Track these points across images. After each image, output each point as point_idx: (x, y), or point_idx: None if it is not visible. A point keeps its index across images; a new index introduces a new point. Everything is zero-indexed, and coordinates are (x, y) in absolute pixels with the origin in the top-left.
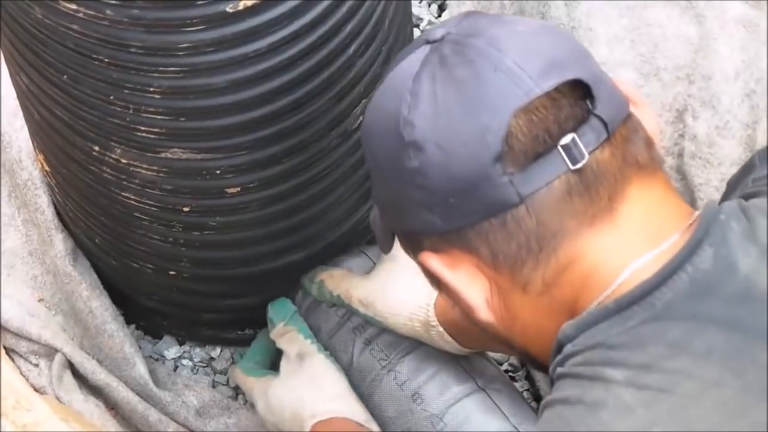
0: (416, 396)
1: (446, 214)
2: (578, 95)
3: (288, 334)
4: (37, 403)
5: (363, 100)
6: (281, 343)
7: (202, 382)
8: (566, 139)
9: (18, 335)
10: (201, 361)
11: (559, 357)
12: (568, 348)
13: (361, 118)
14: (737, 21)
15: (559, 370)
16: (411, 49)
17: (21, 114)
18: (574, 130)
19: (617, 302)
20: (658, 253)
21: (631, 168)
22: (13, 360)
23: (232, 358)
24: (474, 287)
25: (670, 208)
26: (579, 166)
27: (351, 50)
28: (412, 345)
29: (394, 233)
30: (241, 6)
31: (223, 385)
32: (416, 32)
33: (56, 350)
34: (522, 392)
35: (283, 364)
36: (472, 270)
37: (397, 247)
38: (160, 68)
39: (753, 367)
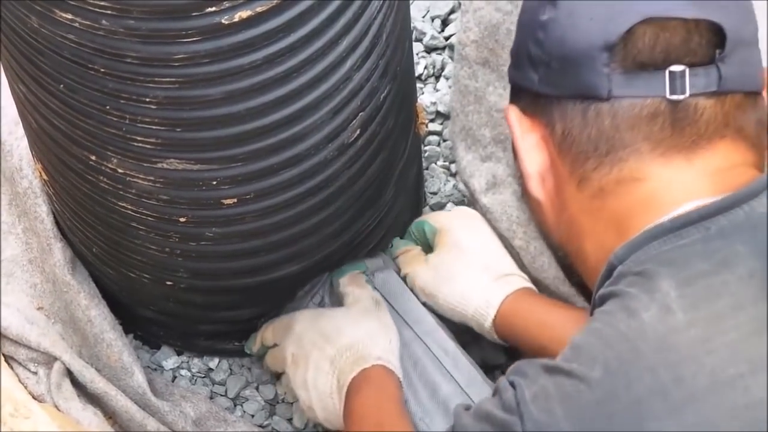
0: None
1: (544, 76)
2: (712, 42)
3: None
4: (35, 410)
5: (360, 114)
6: (356, 287)
7: (200, 393)
8: (677, 68)
9: (17, 343)
10: (199, 372)
11: (609, 280)
12: (619, 269)
13: (358, 131)
14: None
15: (604, 290)
16: None
17: None
18: (689, 65)
19: (673, 221)
20: (718, 200)
21: (729, 130)
22: (11, 367)
23: (230, 369)
24: (533, 156)
25: (749, 176)
26: (675, 98)
27: (348, 64)
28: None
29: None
30: (236, 18)
31: (221, 396)
32: (419, 46)
33: (55, 358)
34: None
35: (351, 301)
36: (540, 142)
37: (462, 237)
38: (156, 79)
39: None
